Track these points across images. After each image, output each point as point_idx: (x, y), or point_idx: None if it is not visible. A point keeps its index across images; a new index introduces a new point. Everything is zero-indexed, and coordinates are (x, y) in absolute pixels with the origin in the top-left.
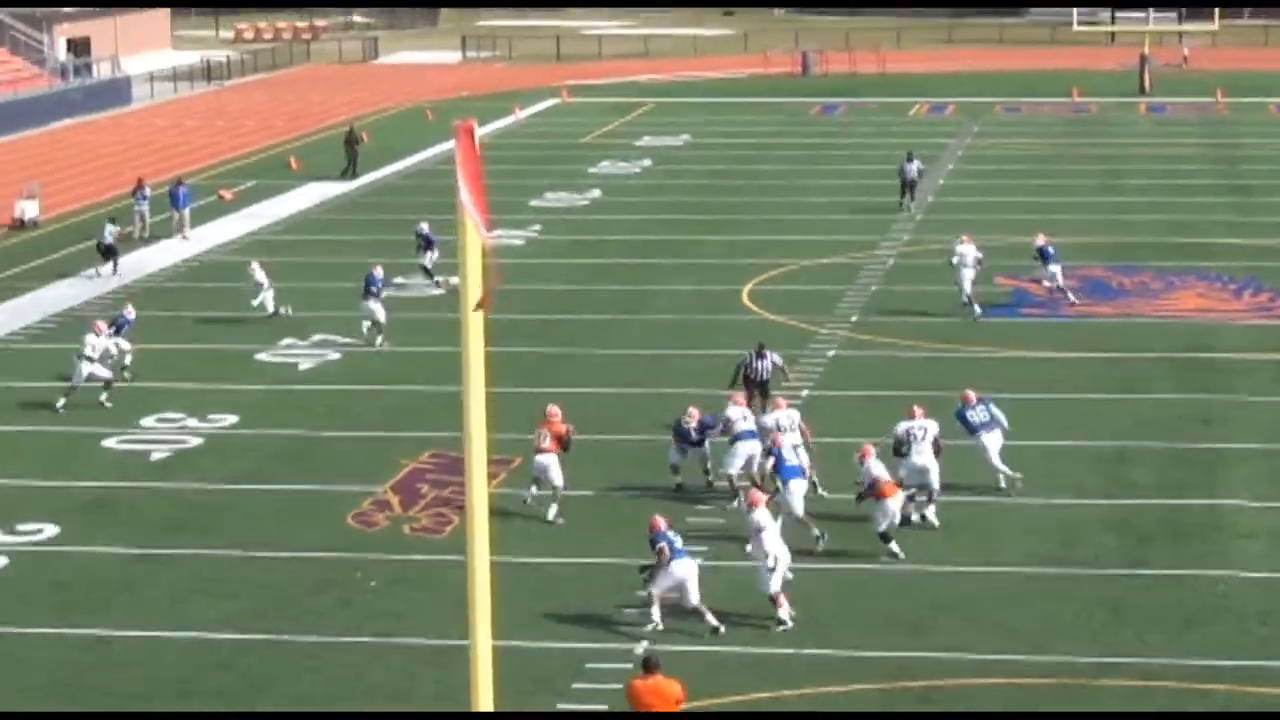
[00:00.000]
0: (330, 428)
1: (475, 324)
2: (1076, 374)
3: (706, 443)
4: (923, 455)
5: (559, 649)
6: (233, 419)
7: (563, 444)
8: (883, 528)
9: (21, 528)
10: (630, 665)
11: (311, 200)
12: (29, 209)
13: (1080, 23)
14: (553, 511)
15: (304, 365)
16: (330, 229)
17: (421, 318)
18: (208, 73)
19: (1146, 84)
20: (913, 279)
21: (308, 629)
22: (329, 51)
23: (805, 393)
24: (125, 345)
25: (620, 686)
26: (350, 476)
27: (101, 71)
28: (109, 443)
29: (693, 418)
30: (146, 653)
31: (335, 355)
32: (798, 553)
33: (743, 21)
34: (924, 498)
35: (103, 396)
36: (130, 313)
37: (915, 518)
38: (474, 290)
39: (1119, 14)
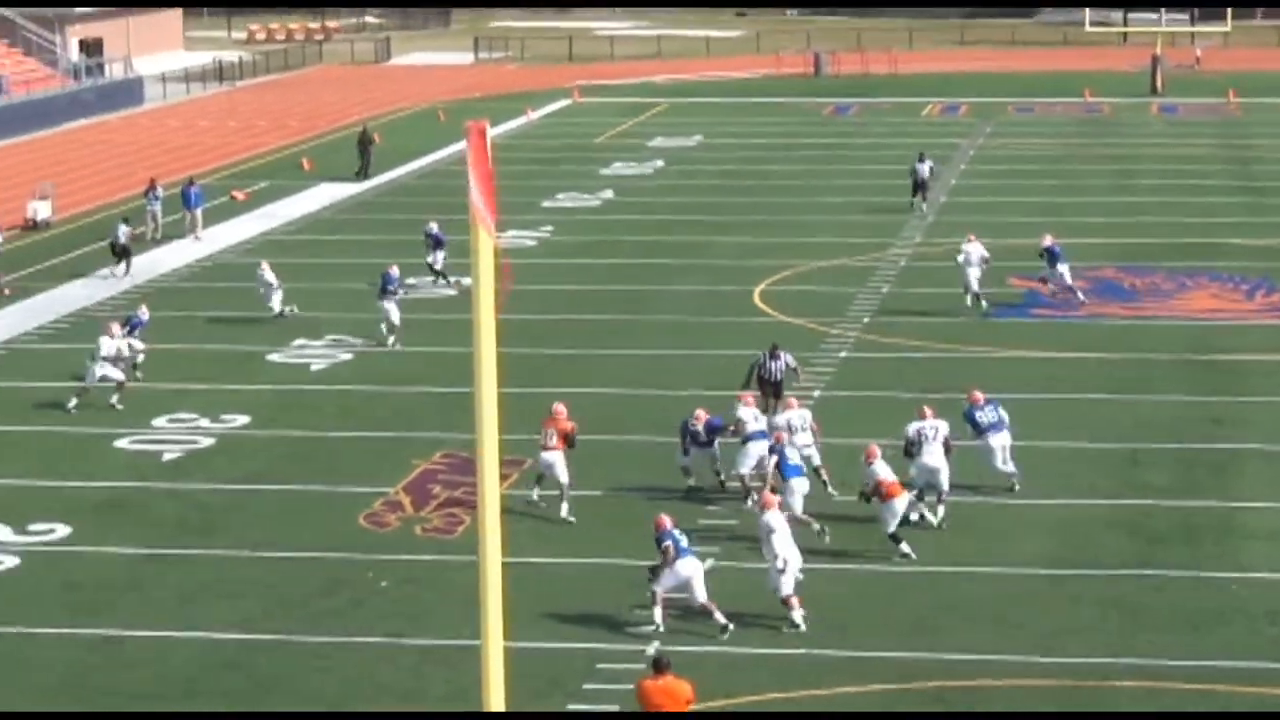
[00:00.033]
0: (342, 428)
1: (487, 324)
2: (1088, 375)
3: (716, 443)
4: (933, 455)
5: (570, 649)
6: (244, 419)
7: (568, 441)
8: (892, 529)
9: (33, 528)
10: (642, 665)
11: (324, 201)
12: (41, 209)
13: (1092, 23)
14: (565, 509)
15: (316, 366)
16: (342, 229)
17: (433, 318)
18: (220, 73)
19: (1159, 84)
20: (925, 280)
21: (319, 629)
22: (341, 52)
23: (817, 394)
24: (139, 345)
25: (632, 687)
26: (362, 477)
27: (114, 72)
28: (121, 443)
29: (699, 419)
30: (157, 653)
31: (347, 356)
32: (810, 553)
33: (755, 22)
34: (933, 498)
35: (114, 399)
36: (144, 313)
37: (914, 516)
38: (486, 291)
39: (1131, 15)
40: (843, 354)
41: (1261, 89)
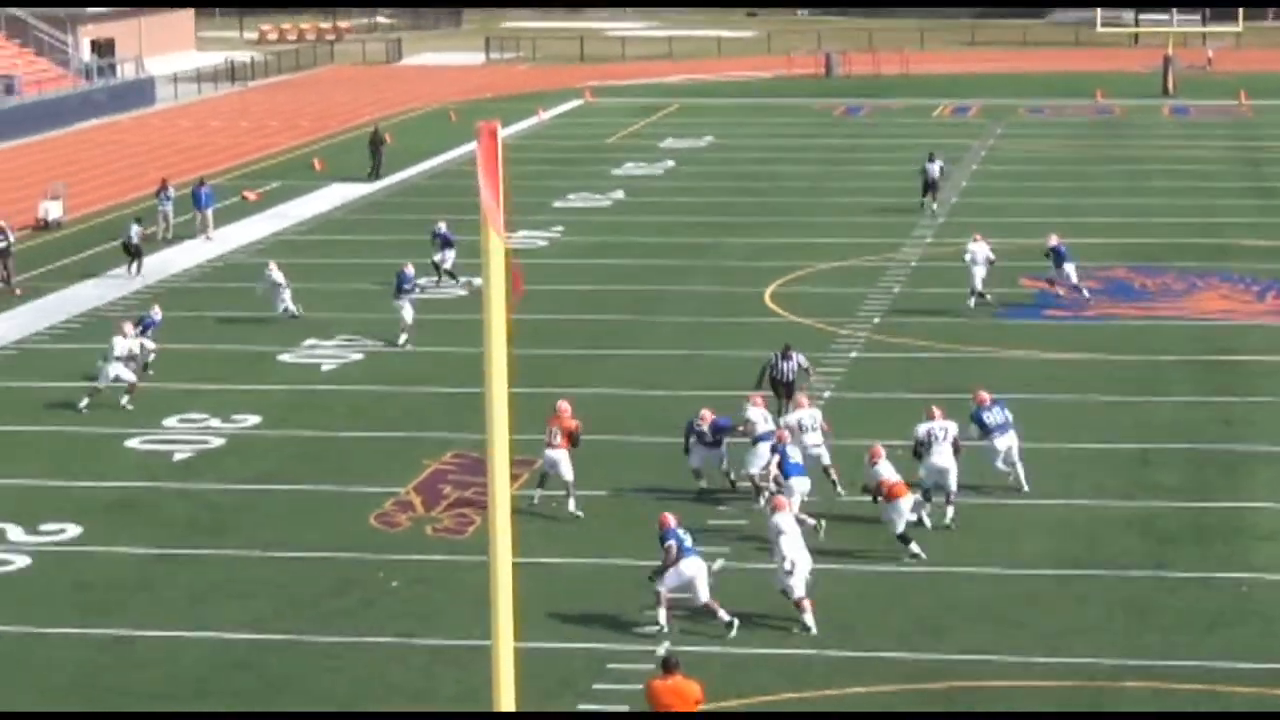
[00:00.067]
0: (352, 428)
1: (498, 325)
2: (1099, 375)
3: (724, 444)
4: (943, 456)
5: (580, 649)
6: (255, 419)
7: (572, 440)
8: (900, 529)
9: (44, 527)
10: (651, 665)
11: (335, 201)
12: (53, 209)
13: (1104, 24)
14: (571, 505)
15: (326, 366)
16: (354, 230)
17: (444, 319)
18: (232, 73)
19: (1170, 85)
20: (935, 281)
21: (329, 629)
22: (353, 52)
23: (827, 394)
24: (150, 345)
25: (641, 687)
26: (372, 477)
27: (126, 72)
28: (132, 443)
29: (705, 420)
30: (167, 653)
31: (358, 356)
32: (818, 553)
33: (766, 23)
34: (941, 498)
35: (124, 399)
36: (156, 313)
37: (912, 517)
38: (497, 292)
39: (1143, 15)
40: (853, 354)
41: (1273, 90)
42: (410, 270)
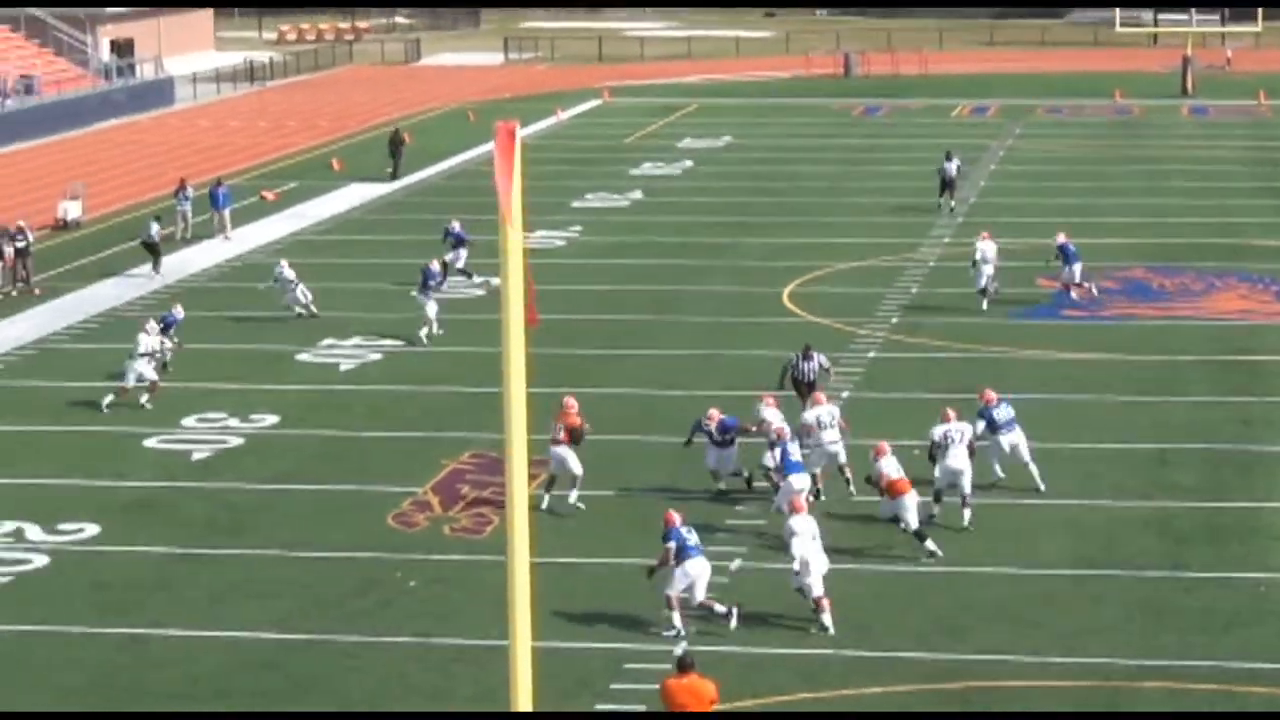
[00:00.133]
0: (371, 428)
1: (516, 325)
2: (1116, 375)
3: (735, 443)
4: (958, 458)
5: (598, 649)
6: (274, 419)
7: (573, 436)
8: (914, 526)
9: (63, 527)
10: (669, 665)
11: (353, 201)
12: (72, 209)
13: (1123, 24)
14: (573, 497)
15: (345, 366)
16: (372, 230)
17: (462, 318)
18: (250, 73)
19: (1189, 85)
20: (953, 280)
21: (347, 629)
22: (371, 52)
23: (845, 394)
24: (169, 344)
25: (659, 687)
26: (390, 477)
27: (145, 72)
28: (150, 442)
29: (712, 419)
30: (186, 653)
31: (376, 356)
32: (835, 552)
33: (784, 23)
34: (956, 499)
35: (144, 398)
36: (178, 311)
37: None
38: (515, 293)
39: (1162, 15)
40: (871, 354)
41: None
42: (436, 266)
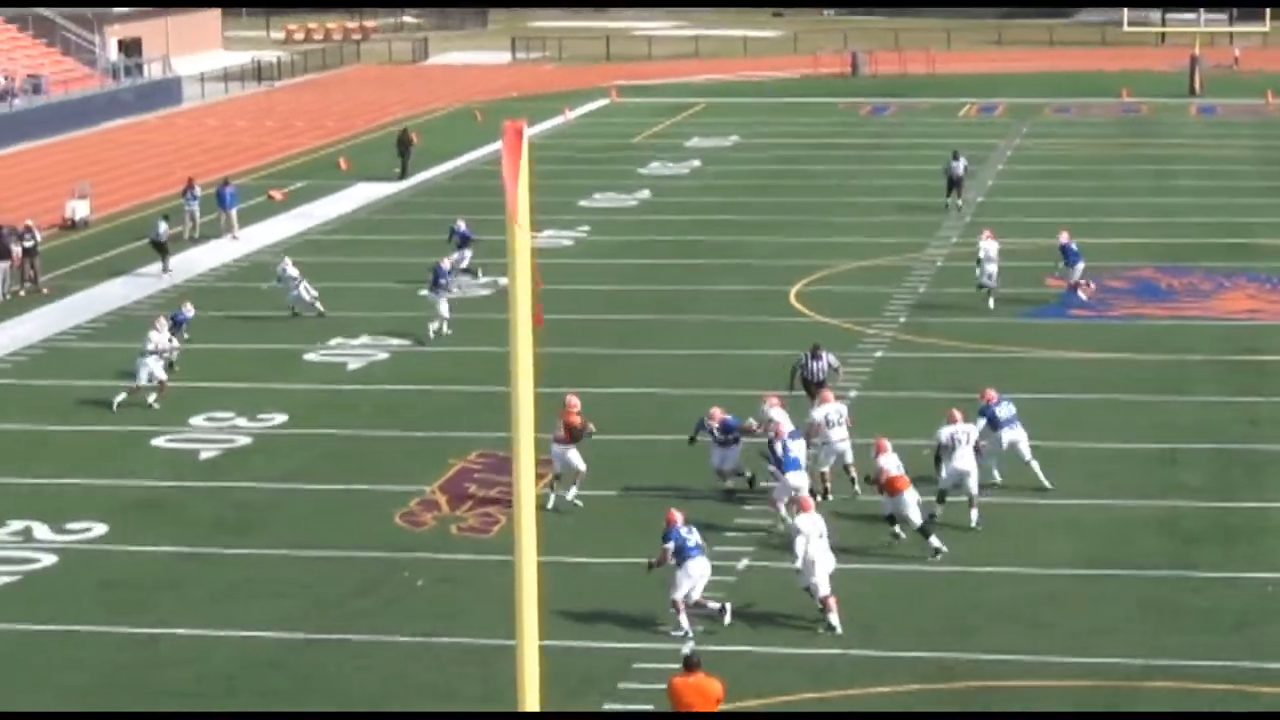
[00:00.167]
0: (378, 427)
1: (524, 324)
2: (1124, 375)
3: (740, 442)
4: (965, 459)
5: (605, 648)
6: (281, 418)
7: (572, 434)
8: (917, 522)
9: (71, 526)
10: (677, 665)
11: (361, 200)
12: (80, 209)
13: (1131, 23)
14: (573, 492)
15: (352, 365)
16: (379, 229)
17: (469, 318)
18: (258, 73)
19: (1197, 85)
20: (961, 280)
21: (355, 628)
22: (379, 52)
23: (853, 393)
24: (175, 343)
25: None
26: (398, 476)
27: (152, 72)
28: (158, 441)
29: (714, 418)
30: (194, 652)
31: (383, 355)
32: (846, 552)
33: (792, 22)
34: (964, 499)
35: (151, 398)
36: (188, 309)
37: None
38: (523, 292)
39: (1169, 15)
40: (879, 354)
41: None
42: (446, 264)
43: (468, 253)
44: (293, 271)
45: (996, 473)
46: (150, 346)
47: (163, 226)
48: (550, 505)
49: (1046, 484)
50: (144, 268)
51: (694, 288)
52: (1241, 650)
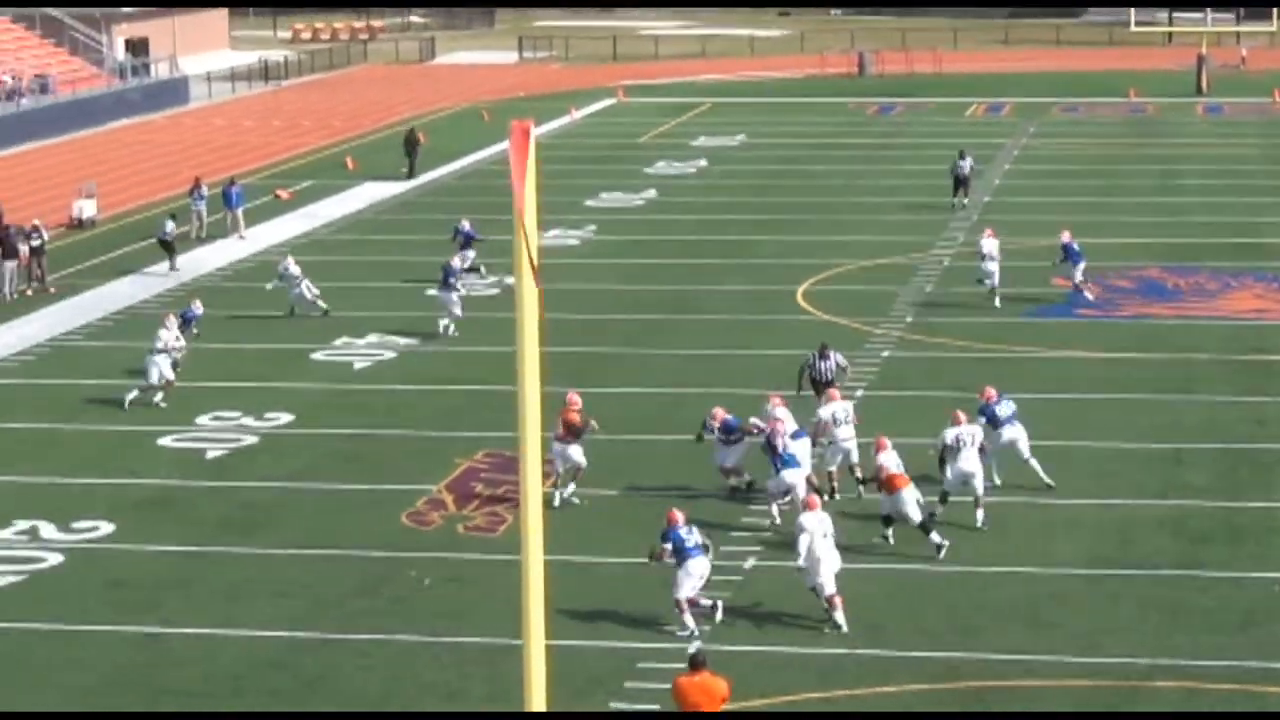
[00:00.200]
0: (385, 427)
1: (530, 324)
2: (1131, 374)
3: (743, 441)
4: (970, 461)
5: (611, 648)
6: (288, 418)
7: (571, 432)
8: (916, 519)
9: (77, 525)
10: (683, 664)
11: (367, 200)
12: (87, 208)
13: (1138, 23)
14: (571, 488)
15: (359, 365)
16: (385, 229)
17: (476, 317)
18: (265, 73)
19: (1204, 84)
20: (967, 280)
21: (361, 628)
22: (386, 52)
23: (860, 393)
24: (180, 343)
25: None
26: (405, 476)
27: (159, 71)
28: (165, 441)
29: (716, 418)
30: (200, 651)
31: (390, 354)
32: (853, 551)
33: (799, 22)
34: (969, 498)
35: (158, 397)
36: (197, 307)
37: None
38: (529, 292)
39: (1177, 14)
40: (885, 353)
41: None
42: (456, 263)
43: (470, 253)
44: (294, 270)
45: (996, 476)
46: (160, 344)
47: (170, 225)
48: (556, 504)
49: (1048, 481)
50: (151, 267)
51: (700, 287)
52: (1248, 650)
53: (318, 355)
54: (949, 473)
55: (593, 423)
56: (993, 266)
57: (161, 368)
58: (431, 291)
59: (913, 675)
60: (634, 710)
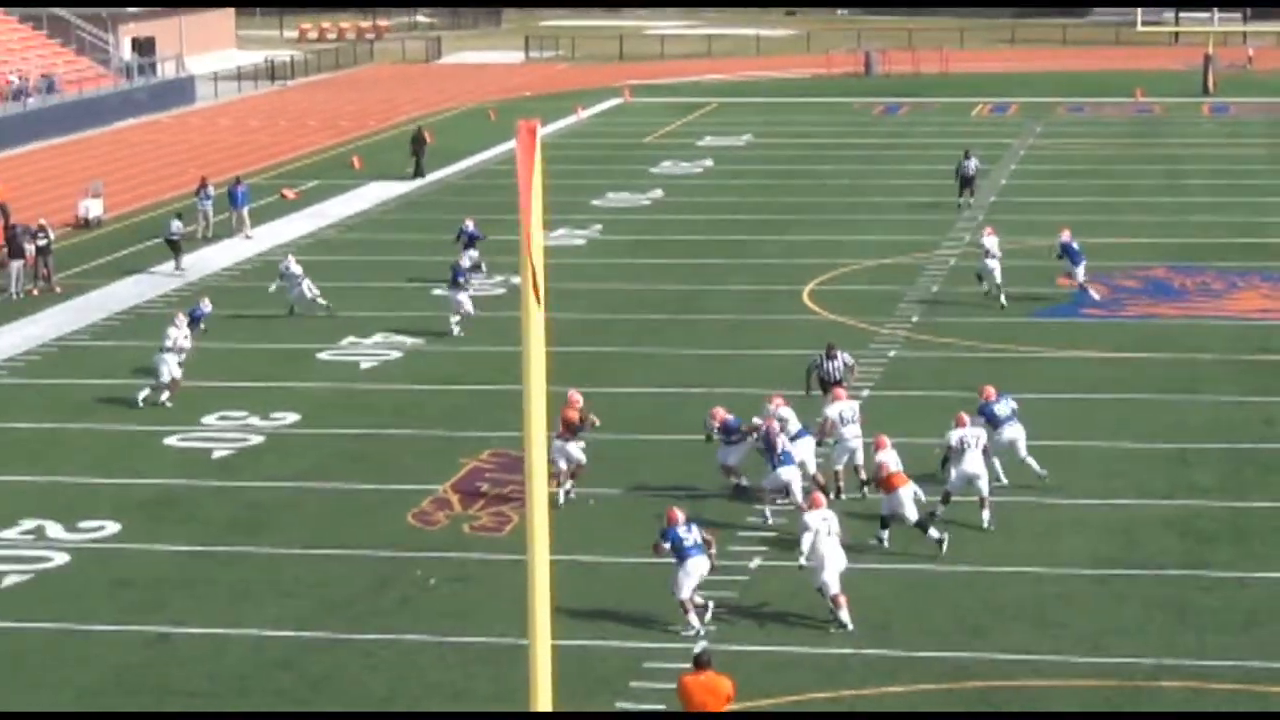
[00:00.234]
0: (391, 426)
1: (536, 323)
2: (1137, 374)
3: (745, 441)
4: (974, 462)
5: (617, 648)
6: (294, 417)
7: (569, 429)
8: (913, 518)
9: (83, 525)
10: (689, 664)
11: (373, 199)
12: (93, 208)
13: (1144, 23)
14: (569, 485)
15: (365, 364)
16: (392, 228)
17: (482, 316)
18: (271, 72)
19: (1210, 84)
20: (973, 279)
21: (367, 628)
22: (392, 51)
23: (866, 393)
24: (186, 343)
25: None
26: (410, 475)
27: (166, 71)
28: (171, 440)
29: (716, 418)
30: (207, 651)
31: (396, 354)
32: (859, 552)
33: (805, 21)
34: (974, 498)
35: (164, 396)
36: (206, 305)
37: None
38: (535, 293)
39: (1183, 14)
40: (892, 353)
41: None
42: (465, 262)
43: (474, 252)
44: (295, 269)
45: (1003, 475)
46: (169, 343)
47: (176, 225)
48: (561, 503)
49: (1041, 471)
50: (157, 266)
51: (706, 287)
52: (1253, 650)
53: (324, 355)
54: (953, 474)
55: (592, 419)
56: (993, 264)
57: (170, 366)
58: (440, 291)
59: (919, 675)
60: (640, 710)
